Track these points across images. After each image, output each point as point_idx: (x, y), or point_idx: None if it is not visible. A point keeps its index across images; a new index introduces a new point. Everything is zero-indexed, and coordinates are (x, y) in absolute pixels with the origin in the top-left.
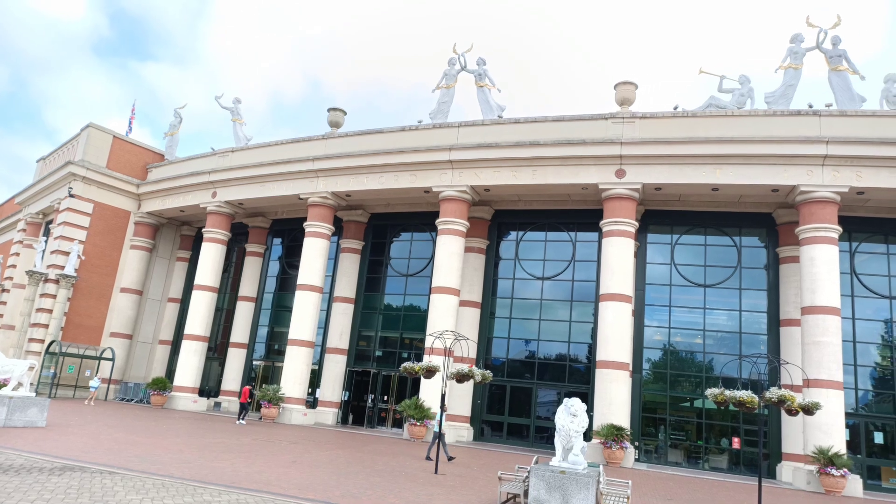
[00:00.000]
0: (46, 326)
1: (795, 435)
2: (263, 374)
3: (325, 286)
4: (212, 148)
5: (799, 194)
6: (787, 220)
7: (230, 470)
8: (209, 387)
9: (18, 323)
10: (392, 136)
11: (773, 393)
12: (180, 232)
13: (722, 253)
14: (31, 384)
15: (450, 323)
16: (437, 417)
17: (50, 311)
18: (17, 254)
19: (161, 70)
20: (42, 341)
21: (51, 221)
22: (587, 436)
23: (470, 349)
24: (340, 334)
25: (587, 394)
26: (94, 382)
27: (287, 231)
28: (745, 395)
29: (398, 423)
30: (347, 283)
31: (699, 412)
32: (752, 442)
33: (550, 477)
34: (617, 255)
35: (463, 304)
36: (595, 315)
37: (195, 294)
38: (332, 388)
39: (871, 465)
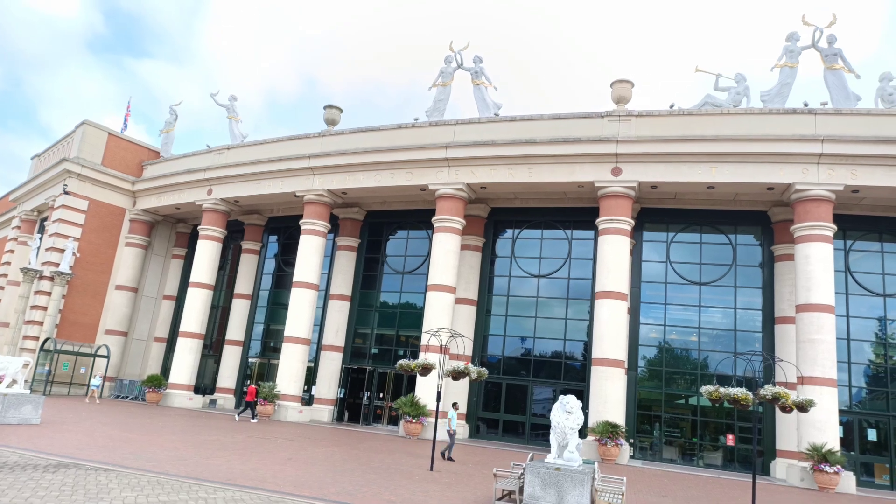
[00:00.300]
0: (41, 324)
1: (790, 432)
2: (259, 372)
3: (321, 283)
4: (207, 145)
5: (794, 192)
6: (783, 219)
7: (225, 467)
8: (204, 384)
9: (13, 320)
10: (388, 134)
11: (768, 390)
12: (176, 229)
13: (717, 251)
14: (26, 381)
15: (446, 320)
16: (450, 416)
17: (45, 309)
18: (12, 251)
19: (157, 67)
20: (37, 339)
21: (46, 218)
22: (582, 433)
23: (466, 346)
24: (336, 331)
25: (583, 391)
26: (95, 380)
27: (283, 228)
28: (739, 392)
29: (394, 421)
30: (343, 281)
31: (694, 409)
32: (747, 439)
33: (546, 474)
34: (613, 253)
35: (459, 301)
36: (591, 313)
37: (191, 291)
38: (328, 385)
39: (864, 462)
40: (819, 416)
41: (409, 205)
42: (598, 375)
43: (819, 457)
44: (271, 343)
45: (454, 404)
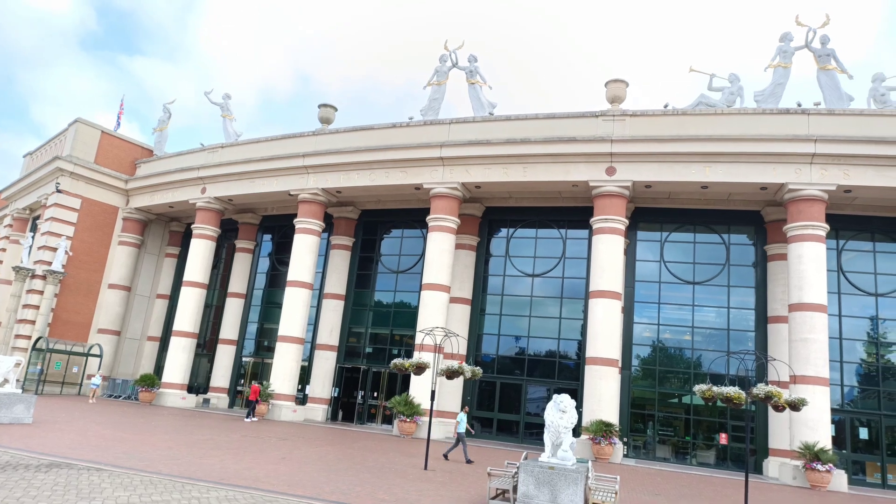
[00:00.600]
0: (33, 323)
1: (782, 431)
2: (253, 371)
3: (315, 283)
4: (201, 144)
5: (787, 192)
6: (776, 218)
7: (219, 466)
8: (198, 383)
9: (5, 319)
10: (383, 133)
11: (761, 389)
12: (169, 228)
13: (711, 250)
14: (18, 381)
15: (440, 320)
16: (459, 419)
17: (37, 308)
18: (4, 249)
19: (150, 65)
20: (29, 338)
21: (38, 217)
22: (576, 432)
23: (460, 346)
24: (330, 331)
25: (577, 390)
26: (95, 380)
27: (277, 227)
28: (732, 391)
29: (388, 420)
30: (338, 280)
31: (687, 408)
32: (740, 438)
33: (539, 472)
34: (607, 253)
35: (453, 300)
36: (585, 312)
37: (184, 290)
38: (322, 384)
39: (855, 461)
40: (811, 415)
41: (404, 204)
42: (591, 374)
43: (811, 455)
44: (265, 342)
45: (464, 406)
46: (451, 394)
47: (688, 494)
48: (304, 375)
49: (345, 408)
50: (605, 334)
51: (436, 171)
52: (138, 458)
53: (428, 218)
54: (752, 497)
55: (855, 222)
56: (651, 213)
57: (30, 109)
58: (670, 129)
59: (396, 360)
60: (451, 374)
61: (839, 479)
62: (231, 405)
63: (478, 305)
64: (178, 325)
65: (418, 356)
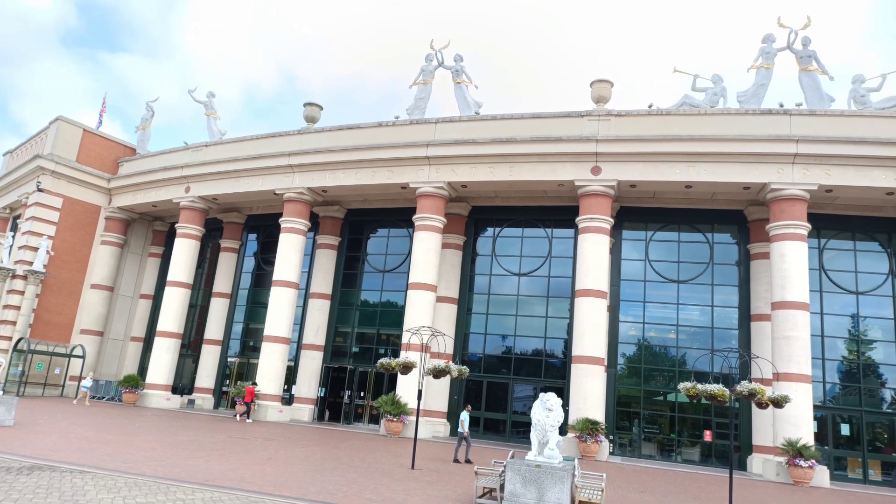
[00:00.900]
0: (14, 323)
1: (766, 427)
2: (238, 371)
3: (301, 282)
4: (185, 142)
5: (770, 192)
6: (758, 217)
7: (204, 467)
8: (182, 384)
9: None
10: (369, 132)
11: (744, 386)
12: (153, 227)
13: (695, 249)
14: None
15: (427, 319)
16: (462, 418)
17: (18, 308)
18: None
19: (132, 62)
20: (9, 339)
21: (18, 216)
22: (563, 430)
23: (447, 345)
24: (317, 330)
25: (563, 389)
26: (86, 382)
27: (262, 227)
28: (716, 388)
29: (375, 420)
30: (324, 279)
31: (672, 406)
32: (724, 435)
33: (526, 471)
34: (592, 252)
35: (440, 300)
36: (571, 311)
37: (168, 290)
38: (309, 384)
39: (837, 457)
40: (794, 412)
41: (390, 203)
42: (578, 373)
43: (794, 451)
44: (251, 342)
45: (467, 406)
46: (438, 393)
47: (673, 491)
48: (291, 375)
49: (331, 408)
50: (591, 333)
51: (422, 170)
52: (122, 460)
53: (414, 217)
54: (737, 493)
55: (836, 221)
56: (636, 213)
57: (9, 106)
58: (655, 129)
59: (383, 360)
60: (437, 374)
61: (821, 475)
62: (216, 406)
63: (464, 304)
64: (162, 326)
65: (405, 355)
